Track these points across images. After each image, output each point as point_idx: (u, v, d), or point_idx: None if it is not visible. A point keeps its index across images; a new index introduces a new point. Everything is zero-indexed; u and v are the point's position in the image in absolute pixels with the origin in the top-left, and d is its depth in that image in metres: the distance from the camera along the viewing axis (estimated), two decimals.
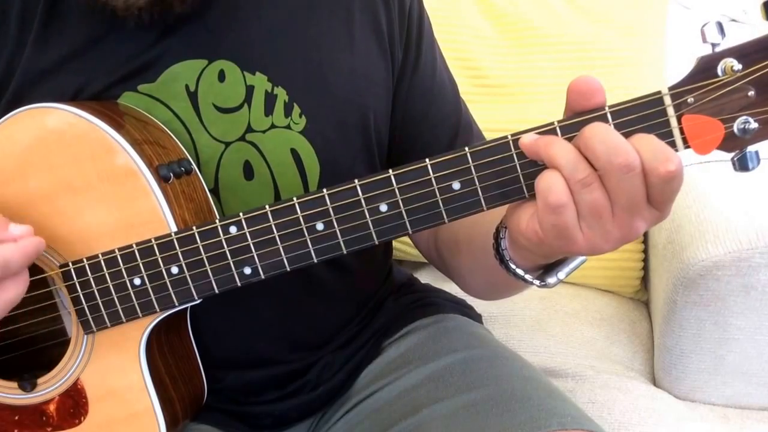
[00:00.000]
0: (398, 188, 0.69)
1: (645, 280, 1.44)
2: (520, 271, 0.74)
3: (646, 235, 1.42)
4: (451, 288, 1.21)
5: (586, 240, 0.65)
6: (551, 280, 0.74)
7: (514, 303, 1.38)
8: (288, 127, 0.86)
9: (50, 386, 0.81)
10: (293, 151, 0.87)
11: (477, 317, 1.11)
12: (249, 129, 0.86)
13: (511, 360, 0.96)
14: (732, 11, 1.65)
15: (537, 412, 0.83)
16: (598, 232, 0.65)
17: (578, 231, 0.65)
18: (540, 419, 0.82)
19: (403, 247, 1.52)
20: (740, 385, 1.18)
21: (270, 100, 0.86)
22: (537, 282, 0.74)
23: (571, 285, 1.44)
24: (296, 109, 0.87)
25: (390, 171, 0.69)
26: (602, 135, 0.62)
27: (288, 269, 0.73)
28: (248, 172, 0.86)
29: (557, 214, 0.64)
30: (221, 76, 0.85)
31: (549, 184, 0.63)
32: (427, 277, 1.46)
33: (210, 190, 0.84)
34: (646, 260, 1.42)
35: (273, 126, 0.86)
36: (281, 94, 0.86)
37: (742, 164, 0.64)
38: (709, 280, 1.13)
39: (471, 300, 1.14)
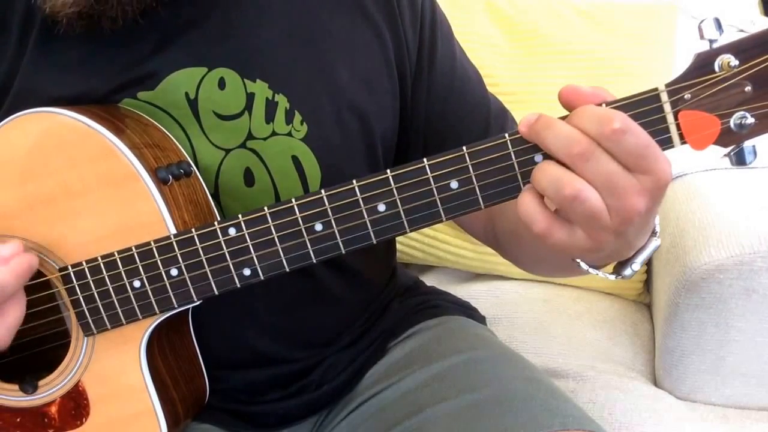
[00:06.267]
0: (396, 188, 0.69)
1: (647, 283, 1.44)
2: (593, 271, 0.73)
3: None
4: (456, 291, 1.21)
5: (593, 241, 0.65)
6: (626, 272, 0.73)
7: (518, 305, 1.39)
8: (289, 134, 0.86)
9: (51, 388, 0.81)
10: (294, 159, 0.87)
11: (481, 319, 1.11)
12: (249, 136, 0.85)
13: (514, 361, 0.96)
14: (740, 22, 1.65)
15: (539, 413, 0.83)
16: (601, 232, 0.64)
17: (582, 239, 0.65)
18: (542, 419, 0.82)
19: (410, 250, 1.52)
20: (740, 385, 1.18)
21: (271, 107, 0.86)
22: (612, 277, 0.74)
23: (575, 288, 1.44)
24: (297, 117, 0.86)
25: (388, 171, 0.69)
26: (551, 130, 0.63)
27: (287, 270, 0.74)
28: (249, 179, 0.86)
29: (549, 238, 0.65)
30: (221, 84, 0.84)
31: (528, 214, 0.65)
32: (432, 280, 1.47)
33: (211, 195, 0.84)
34: (649, 263, 1.42)
35: (274, 133, 0.86)
36: (282, 101, 0.86)
37: (739, 159, 0.64)
38: (711, 283, 1.13)
39: (475, 302, 1.15)
